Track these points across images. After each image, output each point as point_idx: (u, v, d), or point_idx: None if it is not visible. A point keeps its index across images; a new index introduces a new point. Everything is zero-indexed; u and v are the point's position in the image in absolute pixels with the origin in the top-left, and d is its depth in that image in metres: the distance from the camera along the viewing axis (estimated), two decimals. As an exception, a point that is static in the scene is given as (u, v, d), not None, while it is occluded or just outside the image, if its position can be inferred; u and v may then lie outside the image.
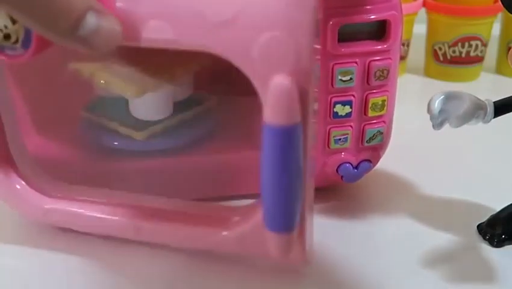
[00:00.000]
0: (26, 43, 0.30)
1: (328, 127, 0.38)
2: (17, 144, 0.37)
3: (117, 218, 0.36)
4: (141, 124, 0.41)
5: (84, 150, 0.42)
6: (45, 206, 0.37)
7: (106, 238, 0.38)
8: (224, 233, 0.34)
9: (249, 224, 0.33)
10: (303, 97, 0.27)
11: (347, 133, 0.38)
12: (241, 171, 0.40)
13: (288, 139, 0.27)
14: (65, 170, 0.40)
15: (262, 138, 0.28)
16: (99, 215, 0.36)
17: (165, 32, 0.28)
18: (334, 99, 0.37)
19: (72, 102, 0.43)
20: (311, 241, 0.33)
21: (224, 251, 0.35)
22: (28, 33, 0.29)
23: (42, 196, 0.37)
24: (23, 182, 0.37)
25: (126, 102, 0.42)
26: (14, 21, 0.29)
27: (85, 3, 0.25)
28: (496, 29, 0.66)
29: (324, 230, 0.40)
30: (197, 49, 0.28)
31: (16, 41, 0.30)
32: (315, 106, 0.30)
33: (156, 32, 0.28)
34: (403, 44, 0.63)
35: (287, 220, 0.30)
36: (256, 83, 0.28)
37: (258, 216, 0.31)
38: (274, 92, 0.26)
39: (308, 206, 0.32)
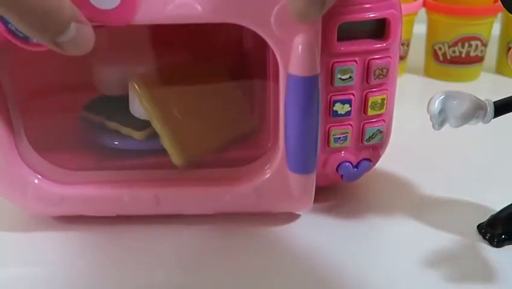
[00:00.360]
0: None
1: (328, 126, 0.38)
2: (25, 142, 0.38)
3: (135, 193, 0.38)
4: (141, 124, 0.41)
5: (83, 150, 0.42)
6: (63, 194, 0.38)
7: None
8: (243, 187, 0.38)
9: (266, 175, 0.37)
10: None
11: (347, 132, 0.38)
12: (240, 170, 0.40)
13: (311, 87, 0.33)
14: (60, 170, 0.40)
15: (286, 89, 0.34)
16: (117, 194, 0.38)
17: (190, 8, 0.31)
18: (333, 98, 0.37)
19: (72, 101, 0.43)
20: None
21: (243, 208, 0.39)
22: None
23: (59, 185, 0.38)
24: (39, 176, 0.38)
25: (126, 101, 0.42)
26: None
27: (71, 15, 0.28)
28: (496, 29, 0.66)
29: (324, 230, 0.40)
30: (221, 21, 0.32)
31: None
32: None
33: (183, 9, 0.32)
34: (403, 44, 0.63)
35: (310, 162, 0.36)
36: (275, 46, 0.33)
37: (275, 165, 0.37)
38: (299, 49, 0.32)
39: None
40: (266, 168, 0.38)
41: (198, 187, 0.38)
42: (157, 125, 0.38)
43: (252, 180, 0.38)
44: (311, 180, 0.37)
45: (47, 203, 0.38)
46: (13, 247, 0.39)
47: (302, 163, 0.36)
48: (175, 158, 0.39)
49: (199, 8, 0.32)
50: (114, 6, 0.31)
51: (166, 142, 0.39)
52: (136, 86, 0.38)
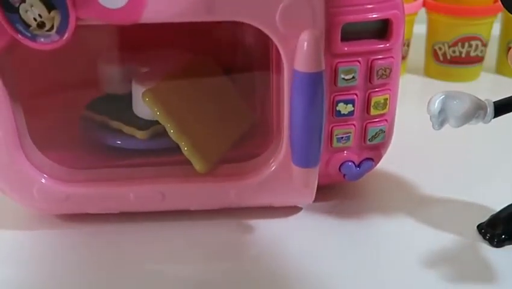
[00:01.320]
0: (61, 30, 0.31)
1: (331, 126, 0.38)
2: (29, 142, 0.38)
3: (141, 189, 0.38)
4: (144, 123, 0.41)
5: (87, 149, 0.42)
6: (68, 192, 0.38)
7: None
8: (248, 182, 0.38)
9: (271, 168, 0.38)
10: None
11: (350, 132, 0.38)
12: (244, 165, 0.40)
13: (316, 83, 0.34)
14: (66, 169, 0.40)
15: (292, 85, 0.34)
16: (122, 191, 0.38)
17: (196, 7, 0.32)
18: (336, 98, 0.37)
19: (75, 100, 0.43)
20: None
21: (247, 202, 0.39)
22: (64, 20, 0.31)
23: (65, 184, 0.38)
24: (45, 175, 0.38)
25: (129, 100, 0.42)
26: (49, 10, 0.30)
27: None
28: (496, 29, 0.66)
29: (325, 228, 0.40)
30: (226, 19, 0.32)
31: (51, 29, 0.31)
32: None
33: (188, 8, 0.32)
34: (403, 44, 0.63)
35: (314, 156, 0.36)
36: (280, 43, 0.33)
37: (279, 159, 0.37)
38: (304, 45, 0.33)
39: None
40: (271, 162, 0.38)
41: (203, 183, 0.39)
42: (176, 135, 0.38)
43: (256, 175, 0.38)
44: (314, 174, 0.37)
45: (53, 201, 0.38)
46: (15, 246, 0.39)
47: (306, 157, 0.36)
48: (198, 165, 0.39)
49: (205, 7, 0.32)
50: (121, 5, 0.31)
51: (187, 151, 0.38)
52: (147, 99, 0.38)
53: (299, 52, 0.33)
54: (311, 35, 0.33)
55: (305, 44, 0.33)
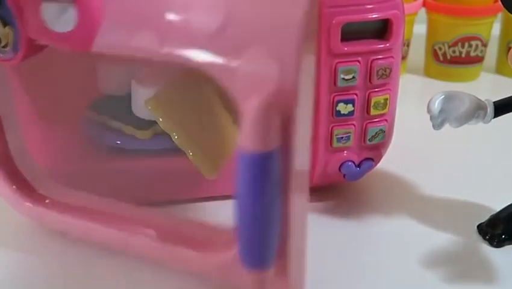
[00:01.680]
0: (15, 47, 0.30)
1: (331, 126, 0.38)
2: (18, 144, 0.37)
3: (106, 229, 0.34)
4: (144, 124, 0.41)
5: (86, 149, 0.42)
6: (38, 210, 0.36)
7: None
8: (207, 257, 0.31)
9: (231, 252, 0.29)
10: (286, 120, 0.25)
11: (350, 132, 0.38)
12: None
13: (262, 166, 0.24)
14: (67, 169, 0.40)
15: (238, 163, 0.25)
16: (89, 225, 0.34)
17: (153, 45, 0.27)
18: (336, 98, 0.37)
19: (76, 101, 0.43)
20: (302, 280, 0.30)
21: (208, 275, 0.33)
22: (17, 37, 0.29)
23: (36, 200, 0.36)
24: (14, 187, 0.36)
25: (129, 101, 0.42)
26: (4, 25, 0.29)
27: None
28: (496, 29, 0.66)
29: (325, 229, 0.40)
30: (180, 62, 0.27)
31: (6, 45, 0.30)
32: (307, 126, 0.28)
33: (145, 44, 0.27)
34: (403, 44, 0.63)
35: (261, 256, 0.27)
36: (240, 104, 0.25)
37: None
38: (249, 115, 0.24)
39: (296, 241, 0.28)
40: (230, 242, 0.29)
41: (165, 242, 0.32)
42: (180, 141, 0.36)
43: (214, 253, 0.31)
44: (267, 277, 0.27)
45: (28, 213, 0.37)
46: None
47: (252, 257, 0.27)
48: (207, 171, 0.37)
49: (161, 47, 0.27)
50: (68, 29, 0.28)
51: (193, 156, 0.36)
52: (151, 108, 0.37)
53: (243, 123, 0.24)
54: (262, 100, 0.24)
55: (252, 112, 0.24)
